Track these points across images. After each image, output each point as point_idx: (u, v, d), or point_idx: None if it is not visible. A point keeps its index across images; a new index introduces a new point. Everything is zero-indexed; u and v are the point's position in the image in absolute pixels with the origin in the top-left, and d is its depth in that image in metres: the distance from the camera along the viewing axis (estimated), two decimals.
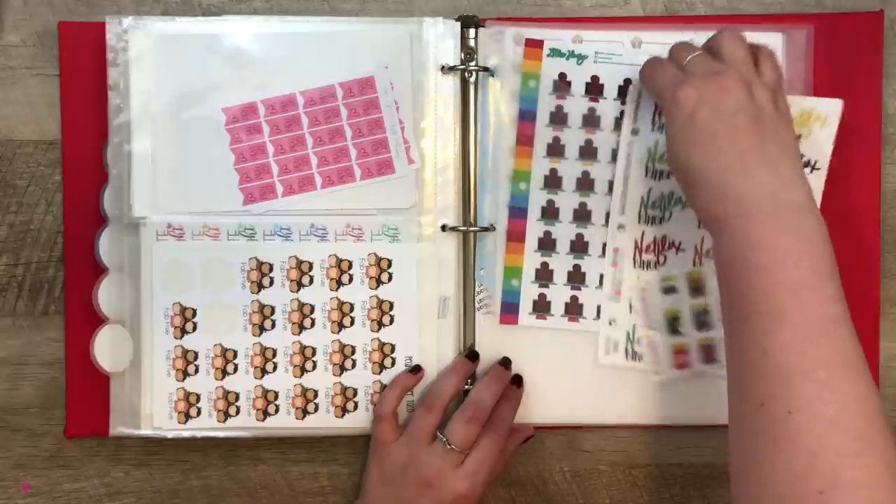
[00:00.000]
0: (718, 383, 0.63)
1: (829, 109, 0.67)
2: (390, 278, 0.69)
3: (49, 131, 0.70)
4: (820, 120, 0.68)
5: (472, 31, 0.68)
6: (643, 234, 0.69)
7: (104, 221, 0.68)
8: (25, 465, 0.71)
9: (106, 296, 0.68)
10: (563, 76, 0.69)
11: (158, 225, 0.68)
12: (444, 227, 0.69)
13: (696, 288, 0.69)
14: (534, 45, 0.69)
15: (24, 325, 0.71)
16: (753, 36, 0.68)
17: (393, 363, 0.69)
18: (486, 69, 0.68)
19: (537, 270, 0.70)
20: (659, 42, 0.69)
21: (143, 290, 0.68)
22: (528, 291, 0.70)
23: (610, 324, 0.70)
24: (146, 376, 0.68)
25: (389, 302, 0.69)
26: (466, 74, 0.68)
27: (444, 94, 0.68)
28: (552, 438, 0.72)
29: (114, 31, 0.67)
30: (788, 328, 0.52)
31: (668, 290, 0.69)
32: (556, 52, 0.69)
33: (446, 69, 0.68)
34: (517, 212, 0.69)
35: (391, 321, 0.69)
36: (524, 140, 0.69)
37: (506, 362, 0.69)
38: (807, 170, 0.68)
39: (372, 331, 0.69)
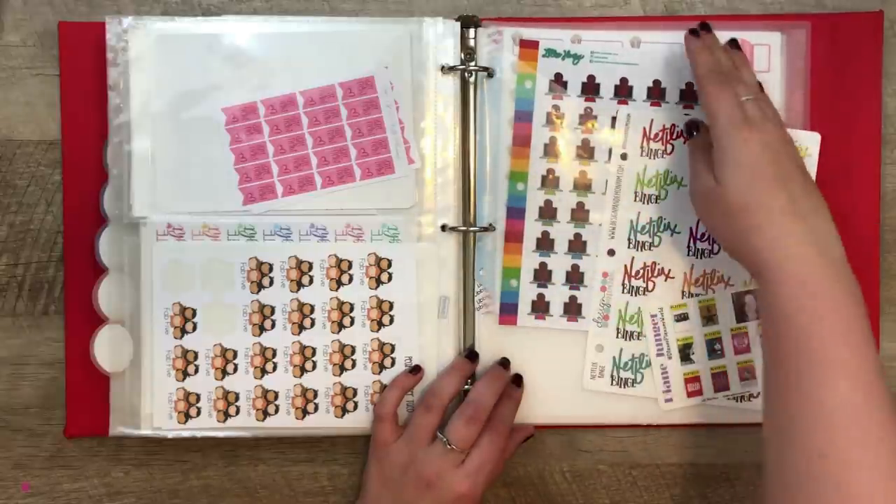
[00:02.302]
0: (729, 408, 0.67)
1: (810, 141, 0.68)
2: (390, 278, 0.69)
3: (49, 131, 0.70)
4: (801, 151, 0.68)
5: (471, 31, 0.68)
6: (633, 259, 0.69)
7: (104, 221, 0.68)
8: (25, 465, 0.71)
9: (106, 296, 0.68)
10: (559, 76, 0.69)
11: (158, 225, 0.68)
12: (443, 227, 0.69)
13: (709, 316, 0.70)
14: (529, 45, 0.69)
15: (24, 325, 0.71)
16: (753, 36, 0.69)
17: (393, 363, 0.69)
18: (485, 69, 0.68)
19: (536, 271, 0.70)
20: (659, 42, 0.69)
21: (143, 290, 0.68)
22: (527, 292, 0.70)
23: (597, 350, 0.70)
24: (146, 376, 0.68)
25: (389, 302, 0.69)
26: (466, 74, 0.68)
27: (444, 94, 0.68)
28: (552, 438, 0.72)
29: (114, 31, 0.67)
30: (847, 379, 0.54)
31: (681, 317, 0.70)
32: (551, 53, 0.69)
33: (446, 69, 0.68)
34: (515, 212, 0.69)
35: (391, 321, 0.69)
36: (521, 141, 0.69)
37: (505, 362, 0.69)
38: None
39: (372, 331, 0.69)
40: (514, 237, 0.70)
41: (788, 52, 0.69)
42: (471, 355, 0.69)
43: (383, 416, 0.67)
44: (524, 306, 0.70)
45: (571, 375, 0.70)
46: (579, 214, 0.69)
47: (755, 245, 0.58)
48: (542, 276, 0.70)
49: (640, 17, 0.70)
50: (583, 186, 0.69)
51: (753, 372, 0.70)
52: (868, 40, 0.70)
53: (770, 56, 0.69)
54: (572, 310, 0.70)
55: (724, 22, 0.70)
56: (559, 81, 0.69)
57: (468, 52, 0.68)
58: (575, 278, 0.70)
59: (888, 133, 0.71)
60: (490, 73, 0.68)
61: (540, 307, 0.70)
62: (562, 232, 0.69)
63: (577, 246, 0.69)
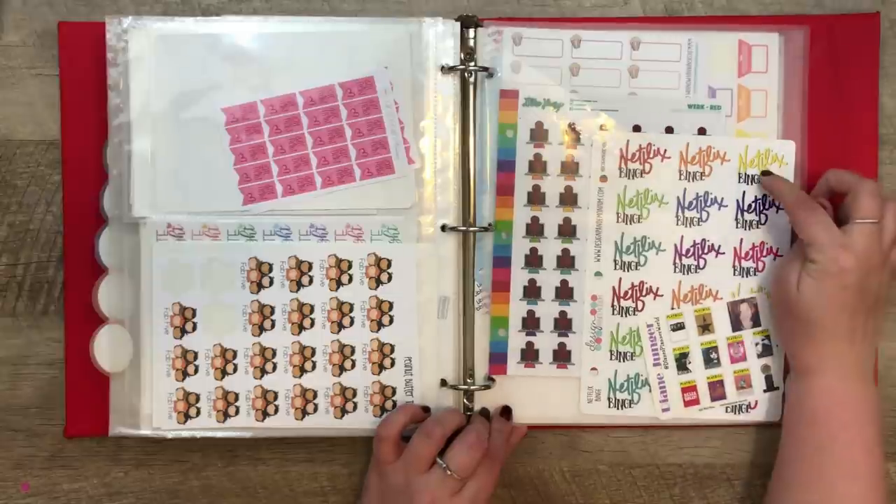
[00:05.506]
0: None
1: (785, 150, 0.69)
2: (390, 278, 0.69)
3: (49, 131, 0.70)
4: (777, 160, 0.69)
5: (471, 31, 0.68)
6: (620, 280, 0.70)
7: (104, 221, 0.68)
8: (25, 465, 0.71)
9: (106, 296, 0.68)
10: (539, 125, 0.69)
11: (158, 225, 0.68)
12: (443, 227, 0.69)
13: (705, 326, 0.70)
14: (509, 95, 0.69)
15: (24, 325, 0.70)
16: (751, 36, 0.69)
17: (392, 363, 0.69)
18: (485, 69, 0.68)
19: (524, 319, 0.70)
20: (659, 42, 0.69)
21: (143, 290, 0.68)
22: (516, 340, 0.70)
23: (591, 371, 0.70)
24: (146, 376, 0.68)
25: (389, 302, 0.69)
26: (466, 74, 0.68)
27: (444, 94, 0.68)
28: (552, 438, 0.72)
29: (114, 31, 0.67)
30: (861, 479, 0.63)
31: (677, 327, 0.70)
32: (531, 102, 0.69)
33: (446, 69, 0.68)
34: (501, 261, 0.69)
35: (391, 321, 0.69)
36: (504, 190, 0.69)
37: (507, 412, 0.70)
38: (772, 210, 0.69)
39: (371, 331, 0.69)
40: (500, 286, 0.70)
41: (787, 53, 0.70)
42: (483, 412, 0.69)
43: (385, 438, 0.66)
44: (513, 355, 0.70)
45: (568, 404, 0.70)
46: (565, 261, 0.70)
47: (806, 353, 0.65)
48: (531, 323, 0.70)
49: (640, 18, 0.71)
50: (567, 233, 0.69)
51: (749, 381, 0.70)
52: (865, 41, 0.70)
53: (768, 57, 0.70)
54: (561, 356, 0.70)
55: (724, 23, 0.70)
56: (540, 129, 0.69)
57: (468, 52, 0.68)
58: (563, 325, 0.70)
59: (886, 133, 0.71)
60: (490, 73, 0.69)
61: (529, 356, 0.70)
62: (549, 279, 0.70)
63: (564, 293, 0.70)
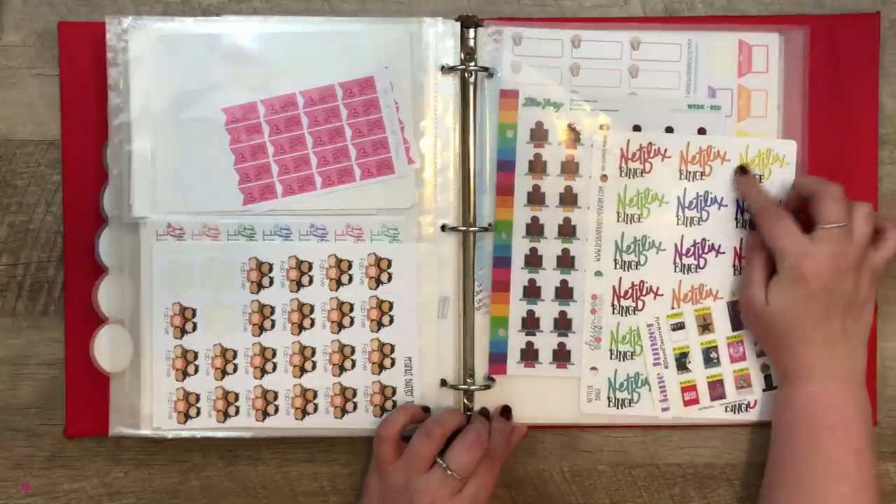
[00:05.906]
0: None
1: (786, 150, 0.69)
2: (390, 278, 0.69)
3: (49, 131, 0.70)
4: (778, 160, 0.69)
5: (471, 31, 0.68)
6: (620, 279, 0.70)
7: (104, 221, 0.68)
8: (25, 465, 0.71)
9: (106, 296, 0.68)
10: (539, 125, 0.69)
11: (158, 225, 0.68)
12: (443, 227, 0.69)
13: (705, 325, 0.70)
14: (509, 95, 0.69)
15: (24, 325, 0.70)
16: (751, 37, 0.69)
17: (392, 363, 0.69)
18: (485, 69, 0.68)
19: (523, 319, 0.70)
20: (659, 42, 0.69)
21: (143, 290, 0.68)
22: (516, 340, 0.70)
23: (591, 371, 0.70)
24: (146, 376, 0.68)
25: (389, 302, 0.69)
26: (466, 74, 0.68)
27: (444, 94, 0.68)
28: (552, 438, 0.72)
29: (114, 31, 0.67)
30: (849, 480, 0.63)
31: (677, 326, 0.70)
32: (531, 102, 0.69)
33: (446, 69, 0.68)
34: (501, 261, 0.69)
35: (391, 321, 0.69)
36: (504, 190, 0.69)
37: (507, 412, 0.69)
38: None
39: (371, 331, 0.69)
40: (500, 286, 0.70)
41: (787, 53, 0.70)
42: (483, 411, 0.69)
43: (385, 438, 0.66)
44: (513, 355, 0.70)
45: (568, 403, 0.70)
46: (565, 261, 0.70)
47: (786, 362, 0.66)
48: (531, 323, 0.70)
49: (640, 18, 0.71)
50: (567, 233, 0.69)
51: (749, 380, 0.70)
52: (865, 41, 0.70)
53: (768, 57, 0.70)
54: (561, 356, 0.70)
55: (724, 23, 0.70)
56: (540, 129, 0.69)
57: (468, 52, 0.68)
58: (563, 325, 0.70)
59: (886, 133, 0.71)
60: (490, 73, 0.69)
61: (529, 355, 0.70)
62: (549, 278, 0.70)
63: (564, 293, 0.70)
